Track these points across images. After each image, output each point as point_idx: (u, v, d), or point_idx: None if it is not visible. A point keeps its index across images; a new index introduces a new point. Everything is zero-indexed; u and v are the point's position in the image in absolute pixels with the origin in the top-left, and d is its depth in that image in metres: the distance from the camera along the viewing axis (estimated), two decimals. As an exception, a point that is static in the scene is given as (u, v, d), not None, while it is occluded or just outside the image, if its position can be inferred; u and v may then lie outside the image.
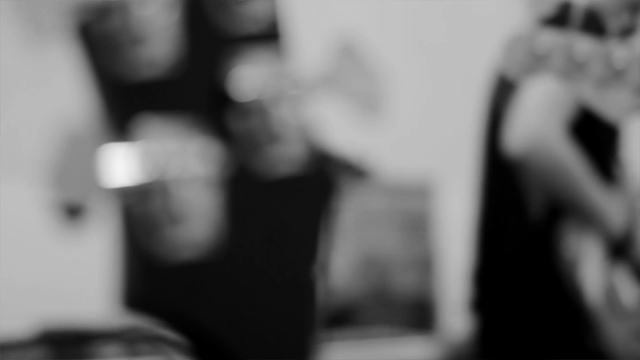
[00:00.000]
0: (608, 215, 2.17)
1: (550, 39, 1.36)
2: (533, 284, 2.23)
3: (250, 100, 0.52)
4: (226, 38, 0.53)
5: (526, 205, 2.24)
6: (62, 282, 2.42)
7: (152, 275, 0.49)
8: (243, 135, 0.53)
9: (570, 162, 2.12)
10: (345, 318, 3.20)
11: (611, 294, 2.20)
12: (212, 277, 0.51)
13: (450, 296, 3.10)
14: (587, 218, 2.17)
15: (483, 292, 2.31)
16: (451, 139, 2.55)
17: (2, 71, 2.58)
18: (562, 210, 2.19)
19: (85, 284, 1.91)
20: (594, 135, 2.24)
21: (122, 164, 0.50)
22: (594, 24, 1.45)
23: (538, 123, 2.11)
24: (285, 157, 0.53)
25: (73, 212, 0.49)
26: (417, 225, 3.29)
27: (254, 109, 0.52)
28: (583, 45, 1.36)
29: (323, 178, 0.55)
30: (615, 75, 1.37)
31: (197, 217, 0.50)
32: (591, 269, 2.19)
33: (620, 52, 1.38)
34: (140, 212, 0.49)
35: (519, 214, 2.26)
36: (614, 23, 1.96)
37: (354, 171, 3.29)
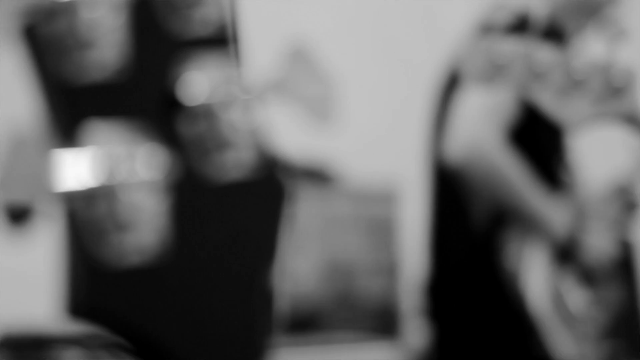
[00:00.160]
0: (550, 221, 2.18)
1: (510, 47, 1.37)
2: (478, 293, 2.24)
3: (200, 104, 0.52)
4: (176, 42, 0.53)
5: (469, 214, 2.25)
6: (6, 287, 2.39)
7: (97, 281, 0.49)
8: (192, 140, 0.52)
9: (509, 169, 2.13)
10: (310, 323, 3.20)
11: (558, 299, 2.20)
12: (160, 282, 0.51)
13: (413, 302, 3.10)
14: (528, 224, 2.18)
15: (435, 300, 2.32)
16: (412, 144, 2.55)
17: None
18: (504, 217, 2.20)
19: (30, 288, 1.89)
20: (537, 140, 2.25)
21: (69, 168, 0.49)
22: (553, 32, 1.46)
23: (475, 131, 2.12)
24: (234, 162, 0.53)
25: (18, 215, 0.49)
26: (382, 231, 3.29)
27: (203, 114, 0.52)
28: (543, 54, 1.37)
29: (273, 183, 0.55)
30: (574, 85, 1.38)
31: (144, 223, 0.49)
32: (535, 275, 2.19)
33: (580, 61, 1.38)
34: (86, 217, 0.49)
35: (463, 223, 2.27)
36: (573, 30, 1.97)
37: (317, 177, 3.29)
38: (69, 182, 0.49)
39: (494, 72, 1.37)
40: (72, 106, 0.50)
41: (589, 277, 2.25)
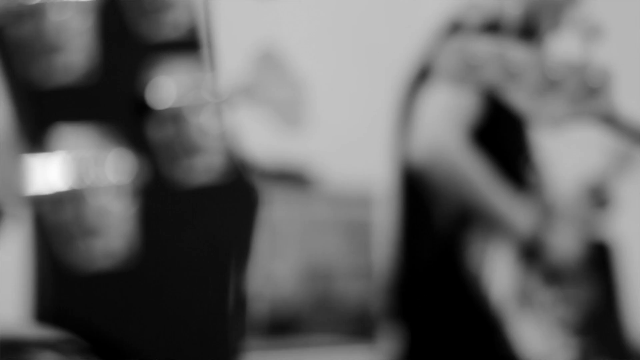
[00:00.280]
0: (514, 220, 2.18)
1: (485, 48, 1.37)
2: (444, 294, 2.25)
3: (169, 108, 0.52)
4: (145, 45, 0.52)
5: (433, 216, 2.26)
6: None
7: (65, 286, 0.49)
8: (161, 144, 0.52)
9: (472, 169, 2.13)
10: (289, 326, 3.20)
11: (524, 298, 2.21)
12: (128, 287, 0.50)
13: (387, 305, 3.10)
14: (492, 224, 2.18)
15: (403, 302, 2.32)
16: (386, 146, 2.55)
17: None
18: (468, 218, 2.20)
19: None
20: (502, 140, 2.26)
21: (36, 173, 0.49)
22: (528, 32, 1.45)
23: (438, 132, 2.12)
24: (204, 166, 0.53)
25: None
26: (360, 234, 3.29)
27: (173, 118, 0.52)
28: (517, 55, 1.36)
29: (243, 187, 0.54)
30: (550, 85, 1.37)
31: (112, 227, 0.49)
32: (499, 274, 2.20)
33: (555, 61, 1.38)
34: (53, 222, 0.49)
35: (428, 225, 2.27)
36: (545, 29, 1.97)
37: (294, 180, 3.28)
38: (37, 187, 0.49)
39: (468, 72, 1.37)
40: (39, 110, 0.49)
41: (555, 276, 2.26)
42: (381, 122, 2.51)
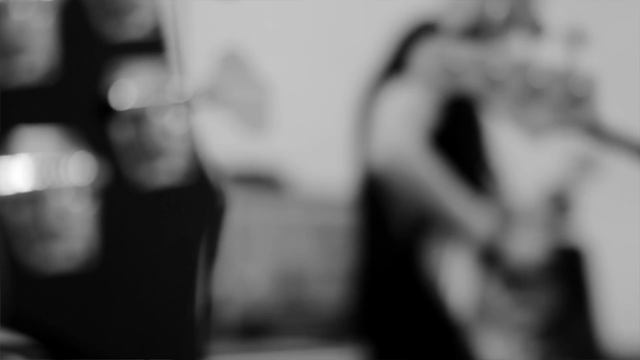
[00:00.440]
0: (471, 223, 2.18)
1: (465, 54, 1.34)
2: (403, 300, 2.25)
3: (131, 110, 0.51)
4: (108, 46, 0.52)
5: (391, 221, 2.26)
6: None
7: (24, 288, 0.48)
8: (123, 145, 0.51)
9: (429, 173, 2.13)
10: (261, 330, 3.19)
11: (484, 303, 2.21)
12: (88, 290, 0.50)
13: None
14: (449, 228, 2.18)
15: (365, 308, 2.32)
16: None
17: None
18: (426, 223, 2.20)
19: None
20: (460, 145, 2.26)
21: (-4, 174, 0.48)
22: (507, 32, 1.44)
23: (395, 136, 2.12)
24: (166, 168, 0.52)
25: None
26: (333, 238, 3.29)
27: (135, 119, 0.51)
28: (499, 62, 1.34)
29: (206, 189, 0.54)
30: (533, 93, 1.36)
31: (72, 229, 0.49)
32: (458, 279, 2.20)
33: (538, 68, 1.36)
34: (13, 224, 0.48)
35: (387, 229, 2.27)
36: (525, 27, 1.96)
37: (266, 184, 3.28)
38: (-3, 188, 0.48)
39: (447, 78, 1.35)
40: (0, 111, 0.49)
41: (515, 280, 2.26)
42: (347, 125, 2.51)
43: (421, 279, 2.19)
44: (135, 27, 0.53)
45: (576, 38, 1.34)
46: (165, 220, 0.53)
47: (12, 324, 0.48)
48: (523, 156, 2.49)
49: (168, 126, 0.52)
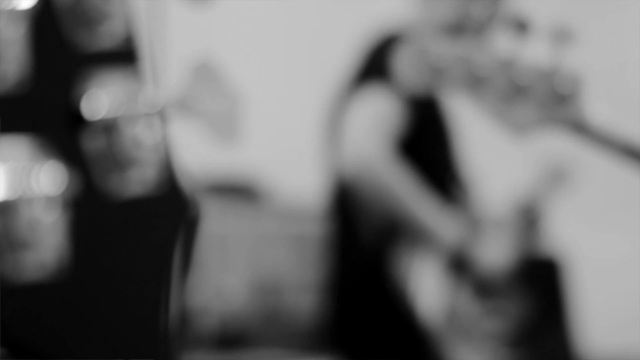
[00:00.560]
0: (439, 232, 2.18)
1: (449, 50, 1.33)
2: (372, 308, 2.24)
3: (103, 119, 0.51)
4: (79, 55, 0.52)
5: (359, 229, 2.26)
6: None
7: (-6, 298, 0.48)
8: (95, 155, 0.51)
9: (397, 181, 2.12)
10: (238, 340, 3.19)
11: (452, 311, 2.21)
12: (58, 299, 0.50)
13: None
14: (417, 237, 2.18)
15: (337, 317, 2.32)
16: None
17: None
18: (394, 231, 2.20)
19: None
20: (429, 152, 2.26)
21: (-33, 183, 0.48)
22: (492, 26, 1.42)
23: (363, 145, 2.11)
24: (138, 178, 0.52)
25: None
26: (311, 248, 3.29)
27: (106, 129, 0.51)
28: (483, 58, 1.33)
29: (178, 199, 0.54)
30: (518, 90, 1.34)
31: (43, 239, 0.49)
32: (426, 288, 2.20)
33: (523, 65, 1.35)
34: (-16, 233, 0.48)
35: (356, 238, 2.27)
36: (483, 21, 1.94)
37: (242, 194, 3.27)
38: (-33, 197, 0.48)
39: (431, 75, 1.33)
40: (-30, 120, 0.49)
41: (485, 288, 2.26)
42: (319, 134, 2.52)
43: (391, 287, 2.19)
44: (107, 36, 0.53)
45: (562, 36, 1.34)
46: (137, 230, 0.53)
47: (-17, 334, 0.48)
48: (494, 166, 2.50)
49: (140, 136, 0.52)
